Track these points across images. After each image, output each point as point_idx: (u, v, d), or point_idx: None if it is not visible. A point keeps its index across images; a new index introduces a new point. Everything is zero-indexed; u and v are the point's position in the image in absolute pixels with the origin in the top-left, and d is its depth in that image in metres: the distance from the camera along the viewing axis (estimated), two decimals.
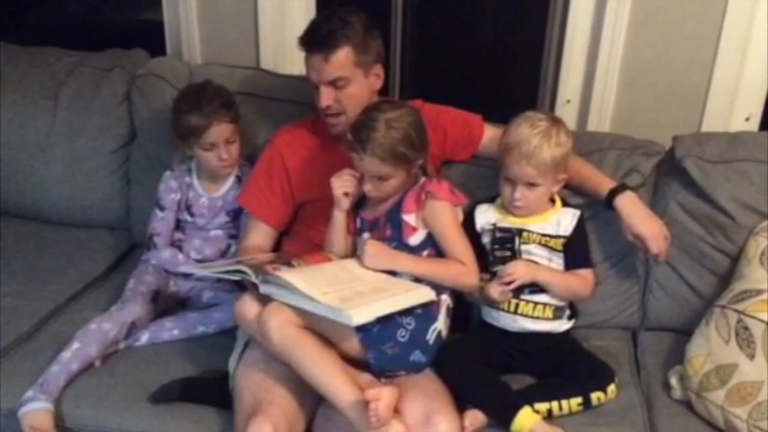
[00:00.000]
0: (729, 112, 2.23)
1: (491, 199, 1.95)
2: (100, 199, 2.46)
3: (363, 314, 1.60)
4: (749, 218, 1.96)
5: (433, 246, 1.83)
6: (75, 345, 1.89)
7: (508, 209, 1.89)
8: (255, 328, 1.73)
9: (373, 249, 1.79)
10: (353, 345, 1.72)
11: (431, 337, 1.77)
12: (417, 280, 1.79)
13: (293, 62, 2.49)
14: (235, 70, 2.39)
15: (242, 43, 2.54)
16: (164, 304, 2.12)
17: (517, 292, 1.83)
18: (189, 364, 1.94)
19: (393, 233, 1.83)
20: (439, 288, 1.79)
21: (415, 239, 1.82)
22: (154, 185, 2.21)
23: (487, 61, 2.76)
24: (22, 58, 2.54)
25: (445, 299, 1.83)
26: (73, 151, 2.42)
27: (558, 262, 1.87)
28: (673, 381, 1.86)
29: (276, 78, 2.39)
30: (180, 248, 2.17)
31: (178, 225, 2.19)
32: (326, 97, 1.88)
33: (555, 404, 1.73)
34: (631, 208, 1.88)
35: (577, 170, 1.93)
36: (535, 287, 1.84)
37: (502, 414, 1.70)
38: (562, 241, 1.87)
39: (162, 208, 2.16)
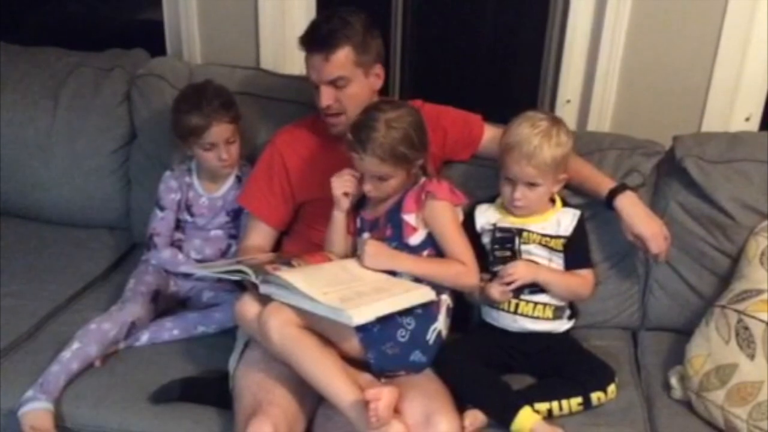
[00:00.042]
0: (729, 112, 2.23)
1: (491, 199, 1.95)
2: (100, 199, 2.46)
3: (363, 314, 1.60)
4: (749, 218, 1.96)
5: (433, 246, 1.82)
6: (75, 345, 1.89)
7: (508, 209, 1.89)
8: (255, 328, 1.73)
9: (373, 249, 1.79)
10: (353, 345, 1.72)
11: (431, 337, 1.77)
12: (417, 280, 1.79)
13: (293, 62, 2.49)
14: (235, 70, 2.39)
15: (242, 43, 2.54)
16: (164, 304, 2.11)
17: (517, 292, 1.83)
18: (189, 364, 1.94)
19: (393, 233, 1.83)
20: (439, 288, 1.79)
21: (415, 239, 1.82)
22: (154, 185, 2.20)
23: (487, 61, 2.76)
24: (22, 58, 2.54)
25: (445, 299, 1.82)
26: (73, 151, 2.42)
27: (558, 262, 1.87)
28: (673, 381, 1.86)
29: (276, 78, 2.39)
30: (180, 248, 2.17)
31: (178, 225, 2.19)
32: (327, 97, 1.88)
33: (555, 404, 1.73)
34: (631, 208, 1.88)
35: (578, 170, 1.93)
36: (535, 287, 1.84)
37: (502, 414, 1.70)
38: (562, 241, 1.87)
39: (162, 208, 2.16)
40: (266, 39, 2.51)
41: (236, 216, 2.17)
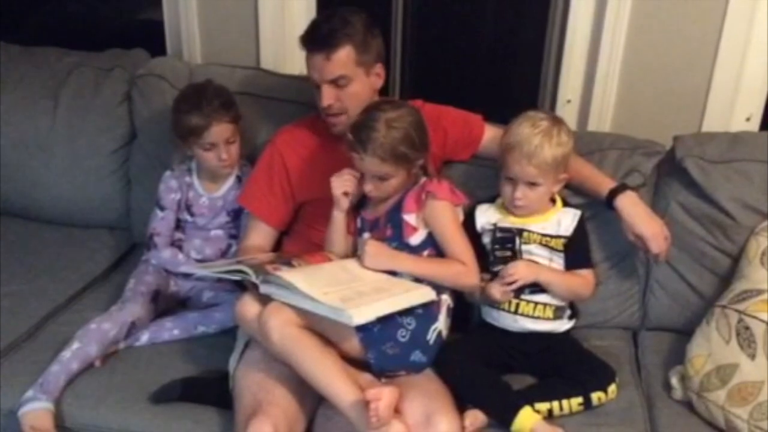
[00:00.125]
0: (729, 113, 2.23)
1: (492, 199, 1.95)
2: (100, 199, 2.45)
3: (363, 314, 1.60)
4: (750, 218, 1.96)
5: (434, 246, 1.82)
6: (75, 345, 1.89)
7: (508, 209, 1.89)
8: (255, 328, 1.73)
9: (374, 249, 1.79)
10: (353, 345, 1.71)
11: (431, 337, 1.77)
12: (417, 280, 1.79)
13: (293, 62, 2.50)
14: (236, 70, 2.38)
15: (242, 43, 2.54)
16: (164, 304, 2.11)
17: (518, 292, 1.83)
18: (189, 364, 1.94)
19: (393, 233, 1.82)
20: (439, 288, 1.79)
21: (415, 239, 1.82)
22: (154, 185, 2.20)
23: (488, 61, 2.76)
24: (22, 58, 2.54)
25: (446, 299, 1.82)
26: (73, 151, 2.42)
27: (558, 262, 1.87)
28: (674, 381, 1.85)
29: (276, 78, 2.39)
30: (180, 248, 2.17)
31: (179, 225, 2.19)
32: (328, 96, 1.88)
33: (555, 404, 1.73)
34: (632, 208, 1.88)
35: (578, 170, 1.93)
36: (536, 287, 1.84)
37: (502, 414, 1.70)
38: (562, 241, 1.87)
39: (162, 208, 2.16)
40: (266, 39, 2.51)
41: (236, 216, 2.17)
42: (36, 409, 1.78)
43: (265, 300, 1.72)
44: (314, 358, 1.65)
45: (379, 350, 1.72)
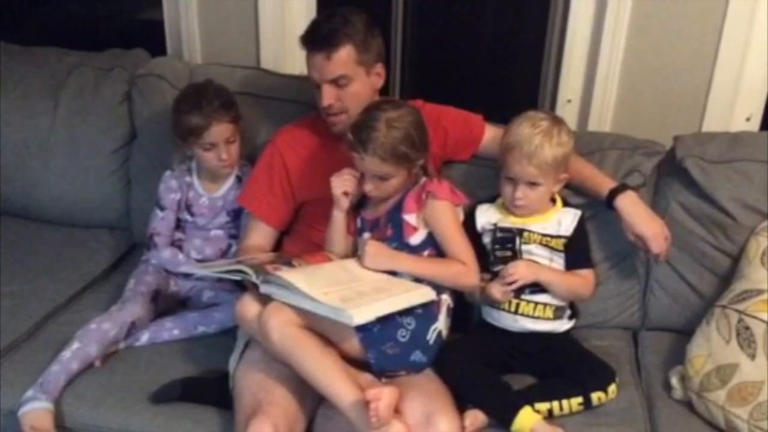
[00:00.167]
0: (729, 113, 2.23)
1: (492, 199, 1.95)
2: (100, 199, 2.45)
3: (363, 314, 1.60)
4: (750, 218, 1.96)
5: (434, 246, 1.82)
6: (75, 345, 1.89)
7: (508, 209, 1.89)
8: (255, 328, 1.73)
9: (374, 249, 1.79)
10: (353, 345, 1.71)
11: (432, 337, 1.77)
12: (417, 280, 1.79)
13: (293, 62, 2.50)
14: (236, 70, 2.38)
15: (242, 42, 2.54)
16: (164, 304, 2.11)
17: (518, 292, 1.83)
18: (189, 364, 1.94)
19: (393, 233, 1.82)
20: (439, 288, 1.79)
21: (415, 239, 1.82)
22: (154, 185, 2.20)
23: (488, 61, 2.76)
24: (22, 58, 2.54)
25: (446, 299, 1.82)
26: (73, 151, 2.42)
27: (559, 262, 1.87)
28: (674, 381, 1.85)
29: (276, 78, 2.39)
30: (180, 248, 2.17)
31: (179, 225, 2.19)
32: (328, 96, 1.88)
33: (555, 404, 1.73)
34: (632, 208, 1.88)
35: (578, 170, 1.93)
36: (536, 287, 1.84)
37: (502, 414, 1.70)
38: (562, 241, 1.86)
39: (162, 208, 2.16)
40: (266, 39, 2.51)
41: (237, 216, 2.17)
42: (36, 409, 1.78)
43: (265, 300, 1.72)
44: (314, 358, 1.65)
45: (379, 350, 1.72)
